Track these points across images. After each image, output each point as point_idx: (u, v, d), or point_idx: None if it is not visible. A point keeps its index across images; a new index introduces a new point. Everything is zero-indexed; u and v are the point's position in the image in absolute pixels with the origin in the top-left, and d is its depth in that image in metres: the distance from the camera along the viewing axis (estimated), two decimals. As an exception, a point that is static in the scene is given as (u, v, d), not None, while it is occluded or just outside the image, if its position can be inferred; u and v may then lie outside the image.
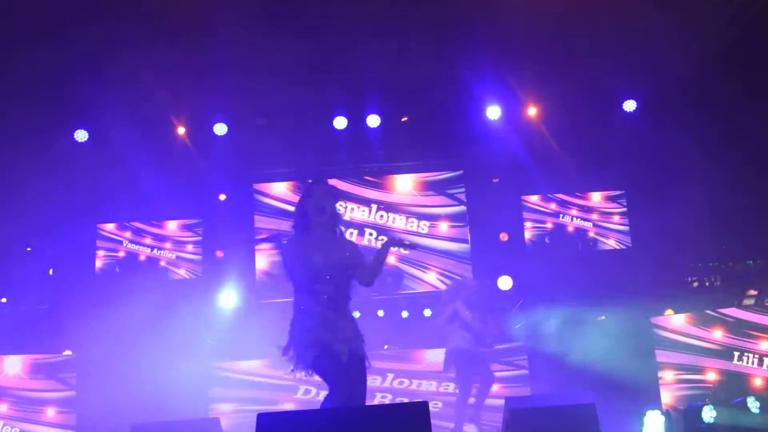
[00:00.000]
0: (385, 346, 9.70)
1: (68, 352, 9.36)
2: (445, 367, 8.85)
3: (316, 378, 5.06)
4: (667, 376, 8.97)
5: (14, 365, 9.17)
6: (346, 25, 9.10)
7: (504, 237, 10.53)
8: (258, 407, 8.94)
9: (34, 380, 9.13)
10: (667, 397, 8.88)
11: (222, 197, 10.63)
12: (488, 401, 8.88)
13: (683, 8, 9.09)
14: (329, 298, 4.97)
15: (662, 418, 7.09)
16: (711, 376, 8.76)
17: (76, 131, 10.27)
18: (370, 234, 10.47)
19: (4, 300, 10.92)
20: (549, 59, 9.72)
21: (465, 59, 9.61)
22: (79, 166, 10.26)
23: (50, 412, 9.09)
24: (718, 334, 8.81)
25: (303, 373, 5.06)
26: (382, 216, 10.52)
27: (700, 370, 8.82)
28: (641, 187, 10.52)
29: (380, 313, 10.10)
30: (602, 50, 9.48)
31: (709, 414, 7.17)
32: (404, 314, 10.11)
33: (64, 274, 10.57)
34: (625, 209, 10.64)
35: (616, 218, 10.64)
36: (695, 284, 10.52)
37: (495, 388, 9.07)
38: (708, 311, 8.96)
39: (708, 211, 10.42)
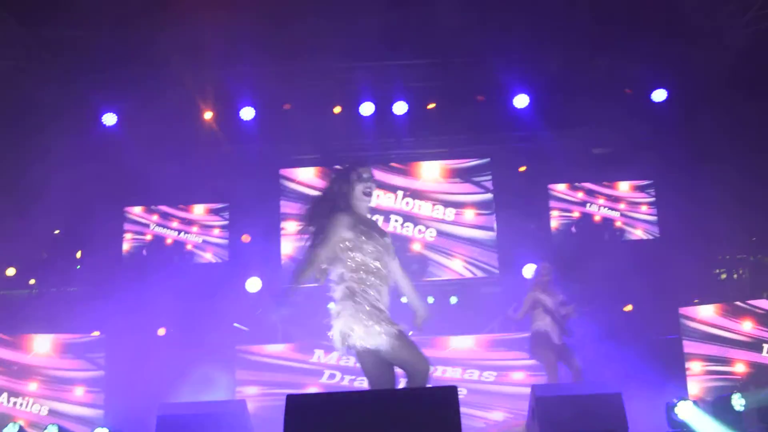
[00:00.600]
0: (410, 333, 9.68)
1: (96, 333, 9.45)
2: (530, 353, 8.50)
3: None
4: (695, 367, 8.91)
5: (44, 344, 9.28)
6: (376, 11, 9.08)
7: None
8: (283, 391, 9.00)
9: (63, 359, 9.24)
10: (694, 388, 8.82)
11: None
12: (515, 389, 8.88)
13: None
14: None
15: (695, 408, 7.02)
16: (739, 368, 8.69)
17: (105, 115, 10.31)
18: (396, 220, 10.45)
19: (32, 281, 11.05)
20: (578, 47, 9.65)
21: (494, 46, 9.54)
22: (107, 150, 10.32)
23: (79, 391, 9.21)
24: (747, 325, 8.73)
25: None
26: (408, 203, 10.51)
27: (728, 362, 8.76)
28: (670, 177, 10.41)
29: (404, 299, 10.07)
30: (632, 38, 9.39)
31: (738, 402, 7.10)
32: (430, 300, 10.10)
33: (91, 256, 10.67)
34: (653, 199, 10.53)
35: (644, 208, 10.54)
36: (723, 276, 10.43)
37: (521, 376, 9.06)
38: (738, 303, 8.87)
39: (737, 203, 10.28)
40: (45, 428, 7.87)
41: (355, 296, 4.67)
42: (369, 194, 4.80)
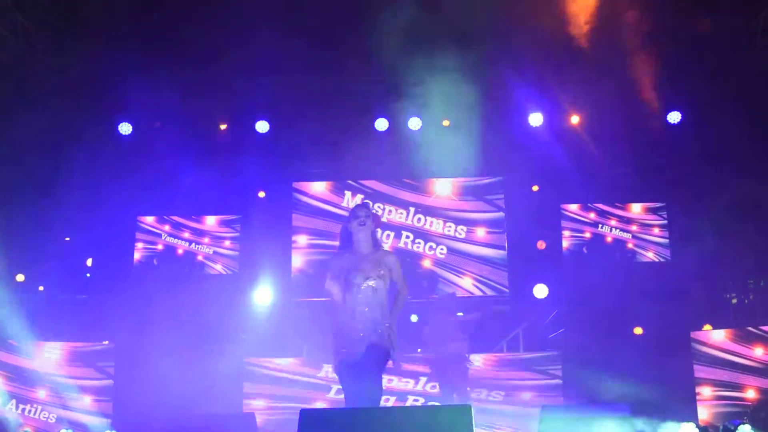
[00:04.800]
0: (418, 350, 9.67)
1: (106, 342, 9.45)
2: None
3: None
4: (705, 392, 8.86)
5: (53, 352, 9.29)
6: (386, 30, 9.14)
7: (541, 245, 10.49)
8: (290, 405, 9.01)
9: (72, 367, 9.24)
10: (704, 413, 8.77)
11: (261, 195, 10.71)
12: (523, 409, 8.85)
13: (728, 20, 9.01)
14: None
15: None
16: (750, 395, 8.64)
17: (120, 124, 10.37)
18: (407, 237, 10.46)
19: (41, 288, 11.07)
20: (593, 67, 9.67)
21: (508, 65, 9.58)
22: (121, 159, 10.37)
23: (87, 400, 9.20)
24: (759, 351, 8.68)
25: None
26: (419, 219, 10.51)
27: (739, 388, 8.70)
28: (682, 199, 10.40)
29: (413, 318, 10.08)
30: (647, 60, 9.41)
31: (746, 433, 7.07)
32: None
33: (102, 264, 10.70)
34: (665, 222, 10.50)
35: (656, 230, 10.52)
36: (734, 301, 10.38)
37: (529, 396, 9.03)
38: (750, 328, 8.83)
39: (750, 227, 10.26)
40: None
41: None
42: (363, 225, 5.34)
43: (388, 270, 5.29)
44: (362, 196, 10.52)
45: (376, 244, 5.43)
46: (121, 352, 9.32)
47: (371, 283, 5.22)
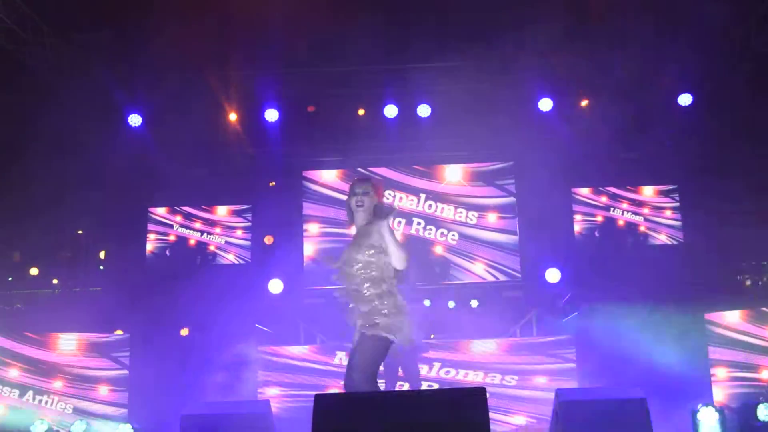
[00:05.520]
0: (432, 336, 9.68)
1: (119, 332, 9.50)
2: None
3: None
4: (720, 373, 8.83)
5: (69, 343, 9.35)
6: (400, 18, 9.12)
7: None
8: (304, 392, 9.02)
9: (88, 358, 9.30)
10: (719, 394, 8.74)
11: (272, 184, 10.72)
12: (537, 393, 8.84)
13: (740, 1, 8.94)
14: None
15: (716, 415, 6.97)
16: (765, 375, 8.60)
17: (130, 116, 10.39)
18: (419, 223, 10.45)
19: (55, 281, 11.15)
20: (603, 50, 9.61)
21: (518, 49, 9.53)
22: (132, 151, 10.40)
23: (103, 390, 9.26)
24: (773, 332, 8.66)
25: None
26: (430, 205, 10.51)
27: (754, 368, 8.67)
28: (694, 181, 10.35)
29: (427, 302, 10.09)
30: (658, 42, 9.35)
31: (764, 412, 7.05)
32: (451, 304, 10.10)
33: (115, 256, 10.75)
34: (677, 204, 10.47)
35: (669, 213, 10.48)
36: (748, 282, 10.34)
37: (543, 380, 9.02)
38: (764, 308, 8.79)
39: (762, 208, 10.20)
40: (72, 424, 7.93)
41: None
42: (360, 205, 5.07)
43: (380, 236, 4.90)
44: (372, 184, 10.49)
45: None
46: (136, 342, 9.37)
47: (362, 257, 4.91)
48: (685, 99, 10.16)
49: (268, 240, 10.50)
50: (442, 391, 4.81)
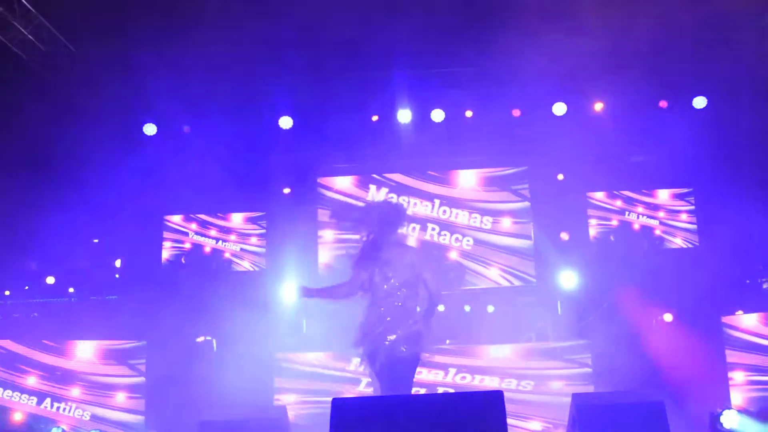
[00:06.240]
0: (447, 341, 9.68)
1: (136, 342, 9.55)
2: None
3: None
4: (738, 377, 8.77)
5: (86, 350, 9.41)
6: (409, 22, 9.13)
7: (565, 237, 10.44)
8: (321, 399, 9.04)
9: (105, 365, 9.36)
10: (737, 398, 8.68)
11: (286, 191, 10.75)
12: (553, 398, 8.81)
13: (756, 3, 8.90)
14: None
15: (739, 417, 6.93)
16: (784, 379, 8.56)
17: (145, 125, 10.47)
18: (433, 229, 10.45)
19: (71, 290, 11.20)
20: (617, 53, 9.59)
21: (531, 53, 9.52)
22: (147, 159, 10.46)
23: (120, 397, 9.31)
24: (792, 335, 8.60)
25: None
26: (444, 211, 10.50)
27: (772, 372, 8.63)
28: (710, 184, 10.29)
29: (441, 308, 10.08)
30: (672, 45, 9.33)
31: (785, 416, 6.99)
32: (467, 308, 10.08)
33: (131, 264, 10.80)
34: (693, 207, 10.42)
35: (684, 216, 10.43)
36: (766, 285, 10.26)
37: (559, 385, 8.99)
38: (783, 312, 8.75)
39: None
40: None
41: None
42: None
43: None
44: (387, 190, 10.53)
45: None
46: (152, 349, 9.41)
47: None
48: (699, 102, 10.13)
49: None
50: (460, 394, 4.80)
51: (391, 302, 5.46)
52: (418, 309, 5.50)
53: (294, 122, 10.41)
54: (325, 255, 10.48)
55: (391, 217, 5.74)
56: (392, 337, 5.37)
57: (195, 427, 6.62)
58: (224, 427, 6.59)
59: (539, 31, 9.13)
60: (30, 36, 8.94)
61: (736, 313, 9.11)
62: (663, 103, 10.20)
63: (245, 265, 10.69)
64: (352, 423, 4.35)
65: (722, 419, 6.93)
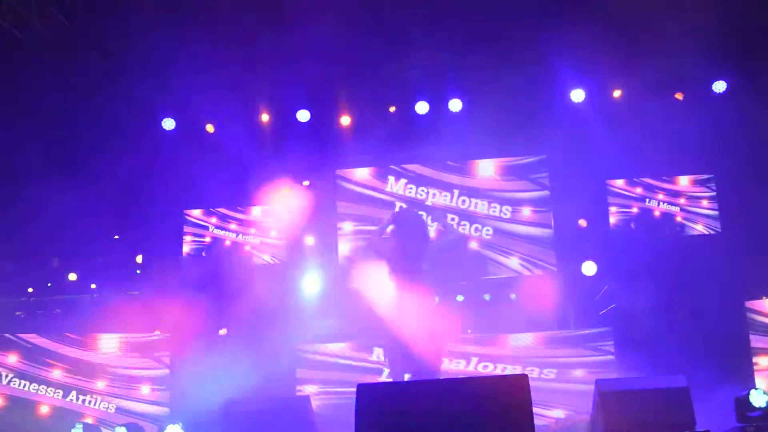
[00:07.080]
0: (468, 330, 9.68)
1: (159, 333, 9.63)
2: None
3: None
4: (763, 362, 8.72)
5: (110, 344, 9.50)
6: (425, 12, 9.13)
7: (583, 223, 10.39)
8: (343, 389, 9.09)
9: (129, 358, 9.44)
10: (762, 383, 8.62)
11: (305, 183, 10.77)
12: (575, 386, 8.81)
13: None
14: None
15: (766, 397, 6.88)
16: (811, 364, 8.49)
17: (164, 119, 10.52)
18: (452, 219, 10.44)
19: (93, 286, 11.30)
20: (635, 39, 9.53)
21: (548, 40, 9.49)
22: (166, 154, 10.53)
23: (145, 389, 9.38)
24: (817, 319, 8.53)
25: None
26: (464, 201, 10.49)
27: (797, 357, 8.56)
28: (731, 170, 10.21)
29: (459, 298, 10.11)
30: (690, 29, 9.24)
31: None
32: (486, 297, 10.10)
33: (152, 259, 10.88)
34: (714, 193, 10.33)
35: (705, 203, 10.35)
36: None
37: (582, 373, 8.98)
38: (808, 296, 8.68)
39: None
40: (114, 429, 8.03)
41: None
42: None
43: None
44: (405, 181, 10.54)
45: None
46: (176, 342, 9.48)
47: None
48: (719, 86, 10.05)
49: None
50: (485, 378, 4.80)
51: None
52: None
53: (311, 115, 10.43)
54: (345, 247, 10.51)
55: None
56: None
57: (219, 417, 6.68)
58: (248, 416, 6.63)
59: (558, 16, 9.12)
60: (43, 28, 8.98)
61: (762, 297, 9.03)
62: (679, 95, 10.14)
63: (265, 257, 10.73)
64: (377, 408, 4.37)
65: (751, 398, 6.86)
